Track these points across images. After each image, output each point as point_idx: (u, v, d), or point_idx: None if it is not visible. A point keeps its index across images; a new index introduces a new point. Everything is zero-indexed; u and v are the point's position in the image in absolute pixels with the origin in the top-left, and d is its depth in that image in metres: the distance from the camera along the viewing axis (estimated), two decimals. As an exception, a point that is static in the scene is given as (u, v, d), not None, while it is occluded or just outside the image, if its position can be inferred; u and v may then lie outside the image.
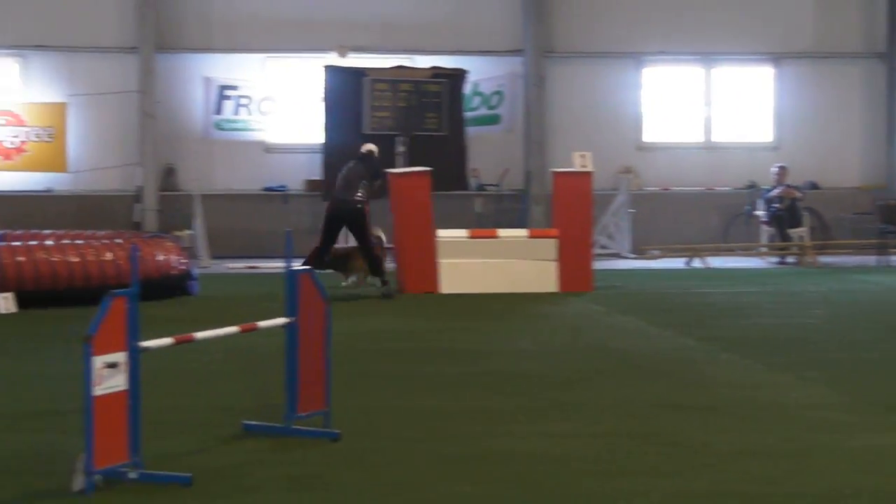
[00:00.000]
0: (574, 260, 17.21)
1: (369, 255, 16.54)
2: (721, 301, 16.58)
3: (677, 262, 21.65)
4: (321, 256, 16.40)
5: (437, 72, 21.82)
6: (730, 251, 22.65)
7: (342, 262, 17.24)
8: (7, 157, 22.04)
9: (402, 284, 17.12)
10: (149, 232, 20.09)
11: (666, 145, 24.48)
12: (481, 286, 16.80)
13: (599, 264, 18.94)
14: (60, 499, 6.68)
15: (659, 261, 21.91)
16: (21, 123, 22.01)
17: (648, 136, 24.46)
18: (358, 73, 21.43)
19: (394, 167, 19.55)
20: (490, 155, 23.25)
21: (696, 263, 21.37)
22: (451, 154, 21.47)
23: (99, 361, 6.59)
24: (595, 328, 14.11)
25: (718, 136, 24.71)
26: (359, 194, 16.34)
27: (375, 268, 16.55)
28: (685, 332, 13.18)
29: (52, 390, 9.83)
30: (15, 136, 22.03)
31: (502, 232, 18.17)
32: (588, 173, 17.61)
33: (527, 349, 12.32)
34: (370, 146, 17.28)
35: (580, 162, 17.63)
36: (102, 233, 17.81)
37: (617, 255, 22.54)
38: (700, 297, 17.12)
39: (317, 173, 22.12)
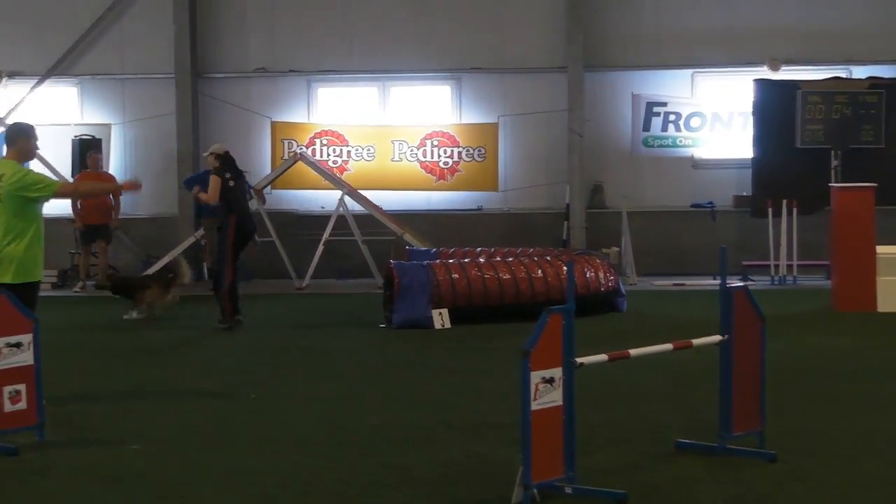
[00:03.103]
0: None
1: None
2: None
3: None
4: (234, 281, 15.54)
5: (874, 82, 20.99)
6: None
7: (131, 291, 16.45)
8: (441, 177, 22.84)
9: (835, 302, 16.55)
10: (577, 249, 20.29)
11: None
12: (925, 304, 16.01)
13: None
14: (498, 510, 6.79)
15: None
16: (455, 144, 22.76)
17: None
18: (790, 86, 20.93)
19: (829, 181, 18.96)
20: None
21: None
22: (889, 167, 20.54)
23: (536, 377, 6.65)
24: None
25: None
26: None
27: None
28: None
29: (486, 404, 10.04)
30: (449, 157, 22.80)
31: (947, 247, 17.19)
32: None
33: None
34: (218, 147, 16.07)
35: None
36: (532, 250, 18.11)
37: None
38: None
39: (746, 189, 21.71)
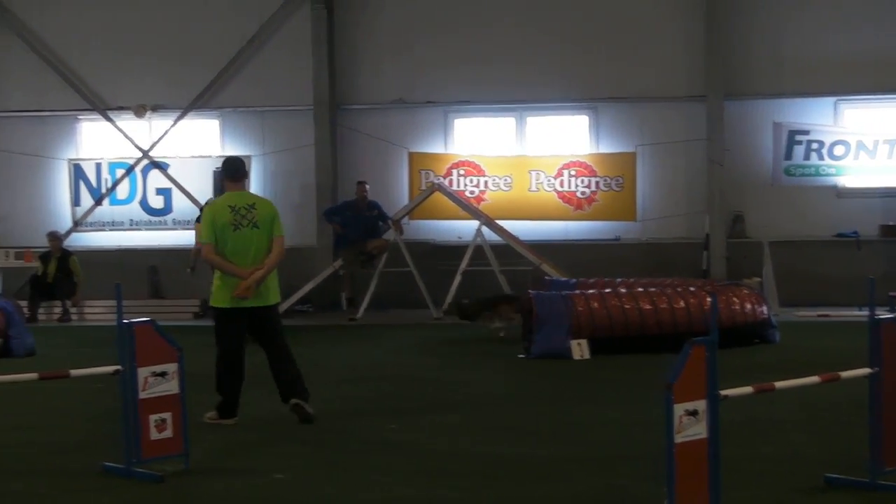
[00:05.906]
0: None
1: None
2: None
3: None
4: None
5: None
6: None
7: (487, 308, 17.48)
8: (579, 206, 22.76)
9: None
10: (722, 279, 20.01)
11: None
12: None
13: None
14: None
15: None
16: (592, 174, 22.66)
17: None
18: (937, 113, 20.50)
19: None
20: None
21: None
22: None
23: (680, 409, 6.53)
24: None
25: None
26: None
27: None
28: None
29: (625, 435, 9.91)
30: (586, 187, 22.71)
31: None
32: None
33: None
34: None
35: None
36: (669, 280, 17.88)
37: None
38: None
39: (892, 218, 21.27)
